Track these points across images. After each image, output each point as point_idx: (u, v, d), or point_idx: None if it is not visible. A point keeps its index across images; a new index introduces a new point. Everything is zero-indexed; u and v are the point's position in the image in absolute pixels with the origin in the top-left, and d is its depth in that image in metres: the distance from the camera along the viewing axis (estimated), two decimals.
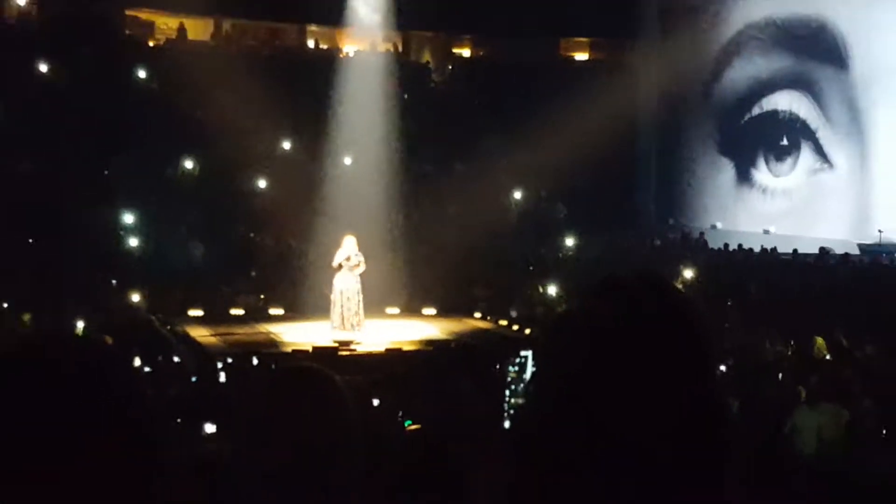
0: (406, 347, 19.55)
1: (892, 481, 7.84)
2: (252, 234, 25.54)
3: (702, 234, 29.63)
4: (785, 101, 28.61)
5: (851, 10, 26.98)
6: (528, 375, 12.73)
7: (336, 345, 19.41)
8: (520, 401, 11.81)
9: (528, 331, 20.63)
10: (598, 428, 1.53)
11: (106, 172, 25.30)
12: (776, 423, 10.87)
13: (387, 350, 19.16)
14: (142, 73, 28.90)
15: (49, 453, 1.40)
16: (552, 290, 23.28)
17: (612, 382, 1.54)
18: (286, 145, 27.40)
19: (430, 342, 20.38)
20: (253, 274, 24.35)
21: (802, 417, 10.75)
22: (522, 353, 14.80)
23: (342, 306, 20.66)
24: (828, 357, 15.38)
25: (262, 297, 23.32)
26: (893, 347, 16.03)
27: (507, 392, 11.53)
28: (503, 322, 22.47)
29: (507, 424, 11.38)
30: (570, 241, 27.22)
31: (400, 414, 10.37)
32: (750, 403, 11.49)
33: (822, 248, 25.69)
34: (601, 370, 1.56)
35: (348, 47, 31.08)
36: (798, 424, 10.66)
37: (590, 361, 1.59)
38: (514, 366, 13.07)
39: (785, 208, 28.86)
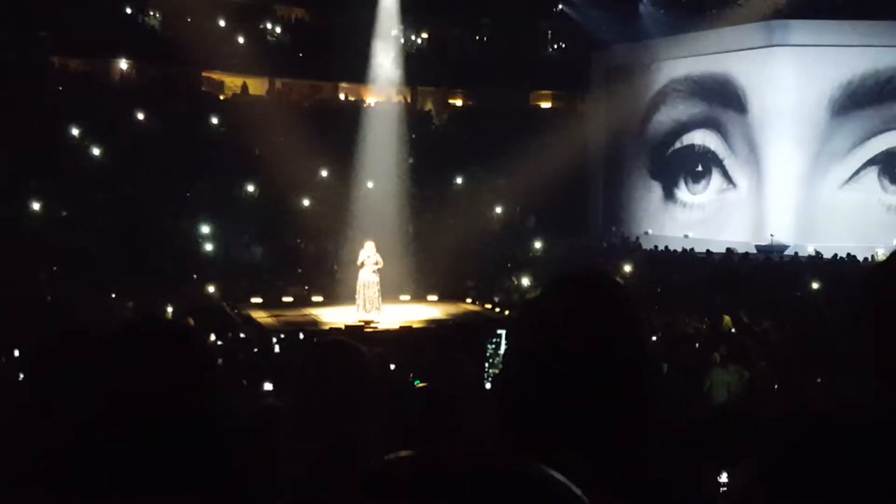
0: (415, 325, 19.54)
1: (780, 422, 7.86)
2: (298, 241, 25.48)
3: (637, 238, 29.57)
4: (699, 138, 28.57)
5: (749, 68, 26.94)
6: (502, 350, 12.71)
7: (361, 324, 19.40)
8: (496, 370, 11.79)
9: (507, 312, 20.63)
10: (554, 384, 1.56)
11: (188, 194, 25.27)
12: (696, 380, 10.90)
13: (400, 327, 19.14)
14: (214, 120, 28.85)
15: (151, 401, 1.43)
16: (525, 281, 23.25)
17: (565, 351, 1.58)
18: (323, 173, 27.34)
19: (432, 321, 20.40)
20: (299, 270, 24.32)
21: (716, 376, 10.80)
22: (498, 331, 14.79)
23: (365, 295, 20.64)
24: (733, 330, 15.36)
25: (305, 287, 23.27)
26: (783, 322, 16.06)
27: (486, 364, 11.55)
28: (488, 306, 22.44)
29: (487, 386, 11.35)
30: (538, 245, 27.21)
31: (410, 375, 10.34)
32: (676, 366, 11.52)
33: (728, 249, 25.68)
34: (556, 343, 1.59)
35: (370, 99, 31.00)
36: (713, 381, 10.72)
37: (547, 337, 1.62)
38: (491, 343, 13.04)
39: (700, 218, 28.80)
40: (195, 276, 21.80)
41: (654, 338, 14.19)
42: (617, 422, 1.56)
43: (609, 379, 1.57)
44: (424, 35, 33.60)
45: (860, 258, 23.11)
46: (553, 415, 1.55)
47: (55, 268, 20.00)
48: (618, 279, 1.78)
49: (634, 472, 1.54)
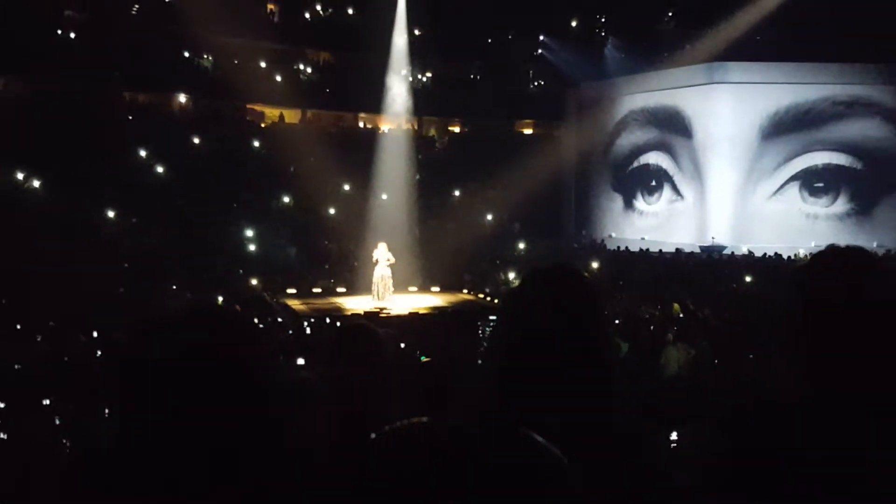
0: (421, 311, 19.52)
1: (719, 391, 7.87)
2: (325, 242, 25.48)
3: (603, 240, 29.56)
4: (653, 158, 28.59)
5: (694, 101, 26.97)
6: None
7: (377, 310, 19.38)
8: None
9: (496, 301, 20.62)
10: (530, 356, 1.57)
11: (235, 205, 25.28)
12: (652, 356, 10.89)
13: (409, 313, 19.12)
14: (256, 143, 28.83)
15: (208, 375, 1.43)
16: (511, 275, 23.23)
17: (539, 332, 1.58)
18: (346, 187, 27.32)
19: (435, 308, 20.38)
20: (326, 266, 24.29)
21: (669, 353, 10.80)
22: (490, 316, 14.83)
23: (379, 286, 20.65)
24: (681, 315, 15.36)
25: (331, 280, 23.23)
26: (721, 309, 16.05)
27: (483, 342, 11.47)
28: (481, 295, 22.39)
29: (479, 361, 11.34)
30: (521, 245, 27.24)
31: (417, 352, 10.34)
32: (635, 344, 11.51)
33: (677, 249, 25.72)
34: (531, 323, 1.60)
35: (384, 126, 30.98)
36: (667, 357, 10.72)
37: (525, 318, 1.63)
38: (487, 326, 12.98)
39: (654, 224, 28.82)
40: (241, 271, 21.80)
41: (616, 321, 14.20)
42: (581, 385, 1.57)
43: (574, 351, 1.58)
44: (429, 74, 33.60)
45: (784, 256, 23.15)
46: (529, 381, 1.57)
47: (126, 265, 20.02)
48: (581, 271, 1.79)
49: (598, 428, 1.54)
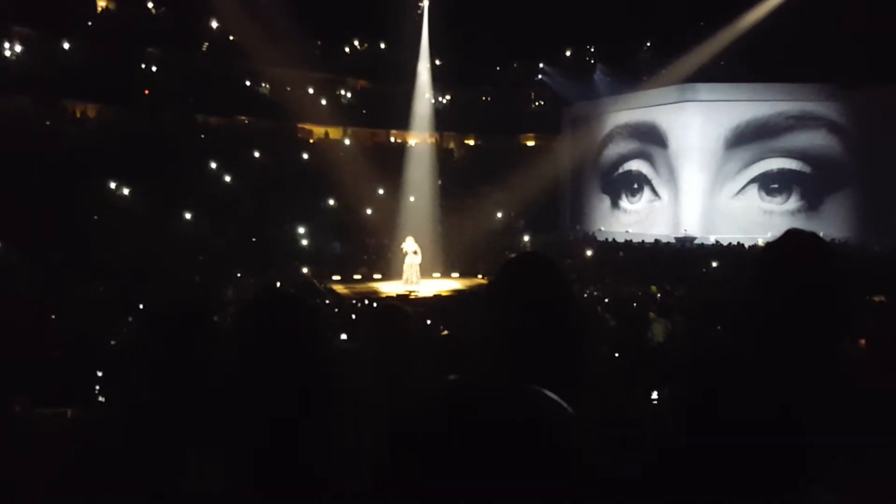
0: (443, 294, 19.57)
1: (692, 357, 7.83)
2: (366, 238, 25.56)
3: (593, 233, 29.47)
4: (635, 165, 28.47)
5: (669, 117, 26.81)
6: None
7: (407, 293, 19.45)
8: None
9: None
10: (516, 329, 1.58)
11: (290, 207, 25.40)
12: (634, 328, 10.82)
13: (433, 295, 19.19)
14: (306, 156, 28.92)
15: (279, 345, 1.45)
16: None
17: (521, 306, 1.59)
18: (380, 191, 27.36)
19: (455, 291, 20.41)
20: (364, 257, 24.37)
21: (654, 327, 10.78)
22: None
23: (408, 273, 20.72)
24: (658, 295, 15.30)
25: (369, 269, 23.34)
26: (693, 289, 15.98)
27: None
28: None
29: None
30: (526, 238, 27.17)
31: (441, 326, 10.36)
32: (620, 319, 11.44)
33: (655, 240, 25.60)
34: (516, 299, 1.61)
35: (412, 141, 30.98)
36: (654, 331, 10.71)
37: (510, 294, 1.64)
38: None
39: (636, 220, 28.70)
40: (296, 262, 21.91)
41: (605, 300, 14.13)
42: (556, 351, 1.57)
43: (547, 322, 1.59)
44: (448, 97, 33.52)
45: (746, 245, 22.99)
46: (513, 350, 1.57)
47: (201, 258, 20.16)
48: (545, 257, 1.79)
49: (573, 389, 1.55)
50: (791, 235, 1.72)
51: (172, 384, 1.93)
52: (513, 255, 1.81)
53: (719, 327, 10.23)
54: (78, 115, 25.60)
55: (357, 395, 1.83)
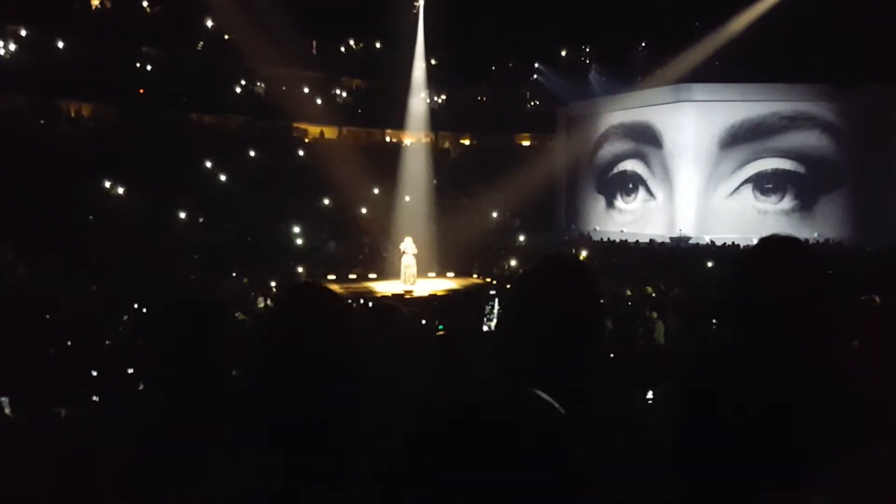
0: (438, 293, 19.57)
1: (686, 356, 7.86)
2: (361, 238, 25.53)
3: (588, 233, 29.48)
4: (630, 165, 28.48)
5: (664, 117, 26.84)
6: (495, 307, 12.74)
7: (403, 292, 19.44)
8: (491, 322, 11.84)
9: (495, 283, 20.59)
10: (535, 329, 1.58)
11: (284, 206, 25.37)
12: (630, 328, 10.86)
13: (429, 294, 19.18)
14: (301, 153, 28.90)
15: (317, 340, 1.45)
16: (513, 262, 23.26)
17: (542, 307, 1.59)
18: (375, 191, 27.33)
19: (450, 290, 20.41)
20: (360, 257, 24.31)
21: (658, 328, 10.86)
22: (491, 292, 14.79)
23: (405, 272, 20.71)
24: (653, 295, 15.32)
25: (364, 268, 23.31)
26: (687, 289, 15.99)
27: (484, 317, 11.43)
28: (488, 279, 22.40)
29: (485, 329, 11.33)
30: (521, 237, 27.19)
31: (436, 323, 10.36)
32: (615, 319, 11.46)
33: (650, 240, 25.61)
34: (537, 301, 1.61)
35: (407, 140, 31.01)
36: (659, 332, 10.78)
37: (533, 296, 1.64)
38: (488, 304, 12.95)
39: (631, 219, 28.72)
40: (290, 262, 21.87)
41: (601, 301, 14.11)
42: (580, 354, 1.58)
43: (575, 326, 1.59)
44: (443, 96, 33.54)
45: (741, 245, 23.01)
46: (537, 351, 1.57)
47: (196, 256, 20.12)
48: (581, 261, 1.81)
49: (587, 389, 1.56)
50: (768, 241, 1.75)
51: (196, 380, 1.93)
52: (546, 256, 1.80)
53: (714, 327, 10.26)
54: (73, 114, 25.55)
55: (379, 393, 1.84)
